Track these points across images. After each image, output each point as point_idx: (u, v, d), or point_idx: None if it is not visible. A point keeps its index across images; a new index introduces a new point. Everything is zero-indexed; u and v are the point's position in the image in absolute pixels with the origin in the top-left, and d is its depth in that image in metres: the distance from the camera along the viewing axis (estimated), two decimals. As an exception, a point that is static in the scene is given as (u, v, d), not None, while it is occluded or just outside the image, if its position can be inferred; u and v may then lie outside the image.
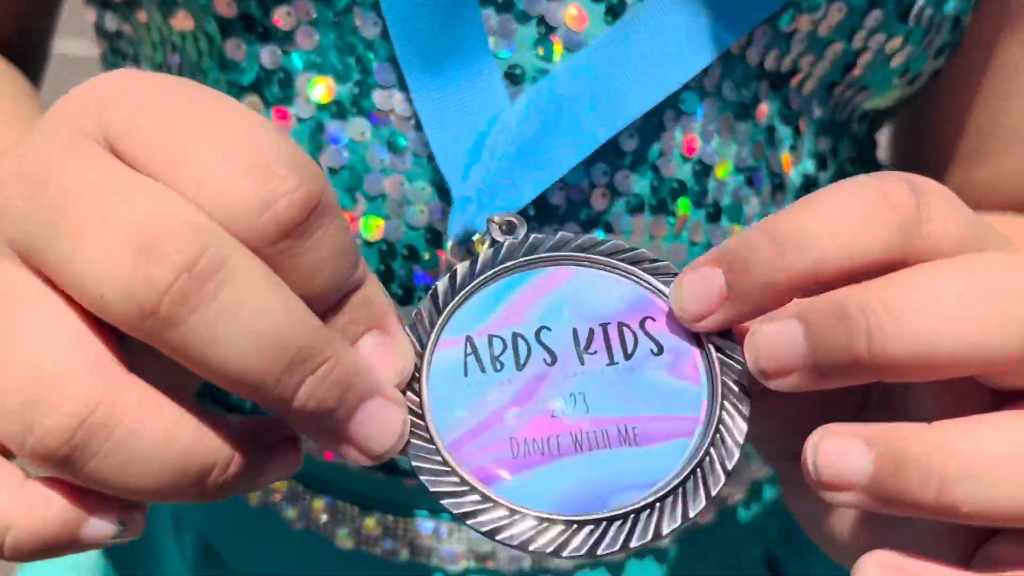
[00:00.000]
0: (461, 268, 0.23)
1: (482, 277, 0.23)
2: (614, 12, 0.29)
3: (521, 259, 0.23)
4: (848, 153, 0.36)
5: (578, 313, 0.23)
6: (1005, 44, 0.38)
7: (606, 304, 0.23)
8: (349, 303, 0.20)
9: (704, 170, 0.31)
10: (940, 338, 0.19)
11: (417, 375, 0.22)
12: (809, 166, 0.34)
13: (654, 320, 0.23)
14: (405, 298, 0.31)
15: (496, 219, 0.24)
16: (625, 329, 0.22)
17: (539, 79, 0.29)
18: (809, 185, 0.34)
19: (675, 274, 0.23)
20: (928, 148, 0.42)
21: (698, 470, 0.21)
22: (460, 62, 0.28)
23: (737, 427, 0.22)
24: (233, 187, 0.18)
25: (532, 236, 0.24)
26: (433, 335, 0.22)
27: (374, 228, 0.30)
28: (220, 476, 0.19)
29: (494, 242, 0.24)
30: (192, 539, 0.40)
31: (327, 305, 0.20)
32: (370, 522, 0.35)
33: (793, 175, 0.33)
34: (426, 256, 0.30)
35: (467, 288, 0.23)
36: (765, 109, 0.32)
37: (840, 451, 0.19)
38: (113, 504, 0.19)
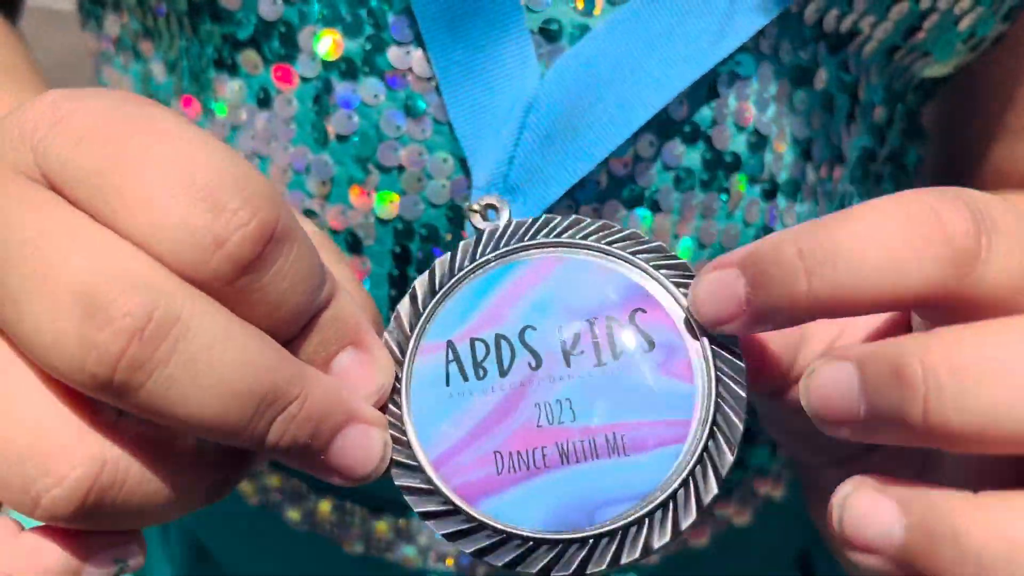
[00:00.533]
0: (440, 263, 0.22)
1: (462, 272, 0.22)
2: None
3: (503, 249, 0.22)
4: (901, 125, 0.33)
5: (564, 309, 0.21)
6: None
7: (594, 296, 0.21)
8: (318, 324, 0.20)
9: (760, 142, 0.28)
10: (1006, 414, 0.16)
11: (398, 386, 0.21)
12: (867, 139, 0.31)
13: (645, 312, 0.21)
14: (423, 283, 0.28)
15: (475, 205, 0.23)
16: (614, 324, 0.21)
17: (578, 35, 0.26)
18: (867, 159, 0.31)
19: (669, 255, 0.21)
20: (973, 117, 0.39)
21: (690, 480, 0.20)
22: (486, 19, 0.25)
23: (733, 431, 0.20)
24: (180, 226, 0.17)
25: (514, 222, 0.22)
26: (412, 341, 0.21)
27: (389, 204, 0.27)
28: (224, 488, 0.20)
29: (474, 229, 0.22)
30: (179, 538, 0.37)
31: (294, 330, 0.19)
32: (381, 527, 0.32)
33: (851, 148, 0.30)
34: (448, 237, 0.27)
35: (447, 286, 0.21)
36: (823, 74, 0.28)
37: (871, 510, 0.18)
38: (110, 544, 0.19)
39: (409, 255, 0.27)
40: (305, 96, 0.27)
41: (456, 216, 0.27)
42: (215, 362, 0.17)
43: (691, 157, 0.27)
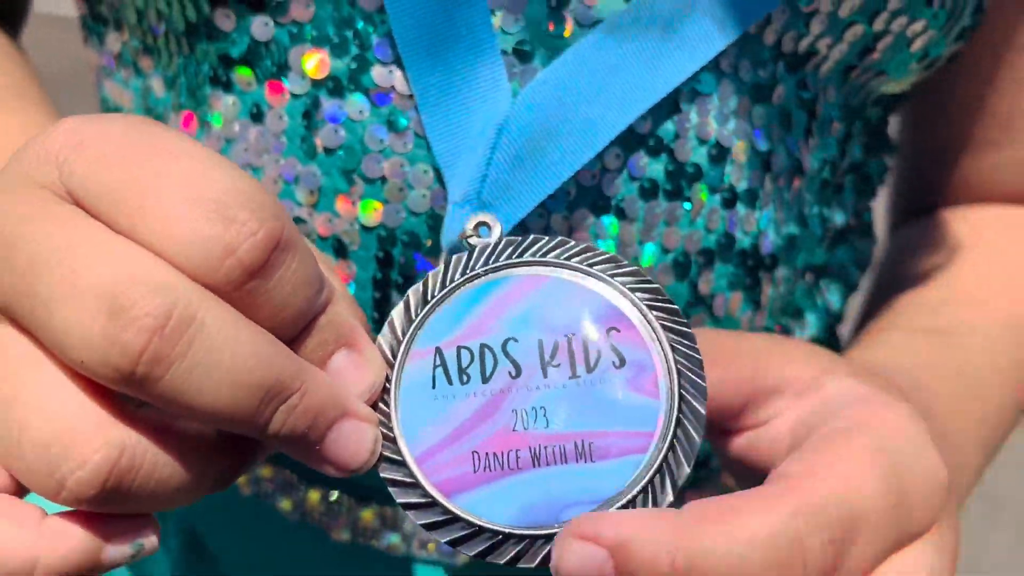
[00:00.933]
0: (432, 275, 0.23)
1: (453, 284, 0.23)
2: None
3: (492, 264, 0.24)
4: (861, 139, 0.35)
5: (545, 323, 0.23)
6: (1020, 28, 0.37)
7: (573, 314, 0.23)
8: (317, 326, 0.21)
9: (720, 154, 0.29)
10: None
11: (388, 386, 0.23)
12: (826, 152, 0.33)
13: (619, 331, 0.23)
14: (406, 286, 0.29)
15: (470, 222, 0.25)
16: (590, 340, 0.23)
17: (549, 56, 0.27)
18: (826, 170, 0.33)
19: (645, 279, 0.23)
20: (940, 132, 0.41)
21: (649, 488, 0.22)
22: (462, 44, 0.27)
23: (691, 445, 0.22)
24: (195, 235, 0.19)
25: (504, 239, 0.24)
26: (403, 346, 0.23)
27: (372, 213, 0.29)
28: (229, 477, 0.22)
29: (467, 245, 0.24)
30: (176, 529, 0.38)
31: (295, 332, 0.21)
32: (367, 515, 0.34)
33: (810, 160, 0.32)
34: (428, 243, 0.29)
35: (438, 296, 0.23)
36: (781, 91, 0.30)
37: (582, 557, 0.20)
38: (128, 527, 0.20)
39: (392, 260, 0.29)
40: (295, 112, 0.29)
41: (436, 223, 0.29)
42: (227, 357, 0.19)
43: (655, 168, 0.29)
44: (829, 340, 0.37)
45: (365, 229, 0.29)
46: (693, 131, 0.29)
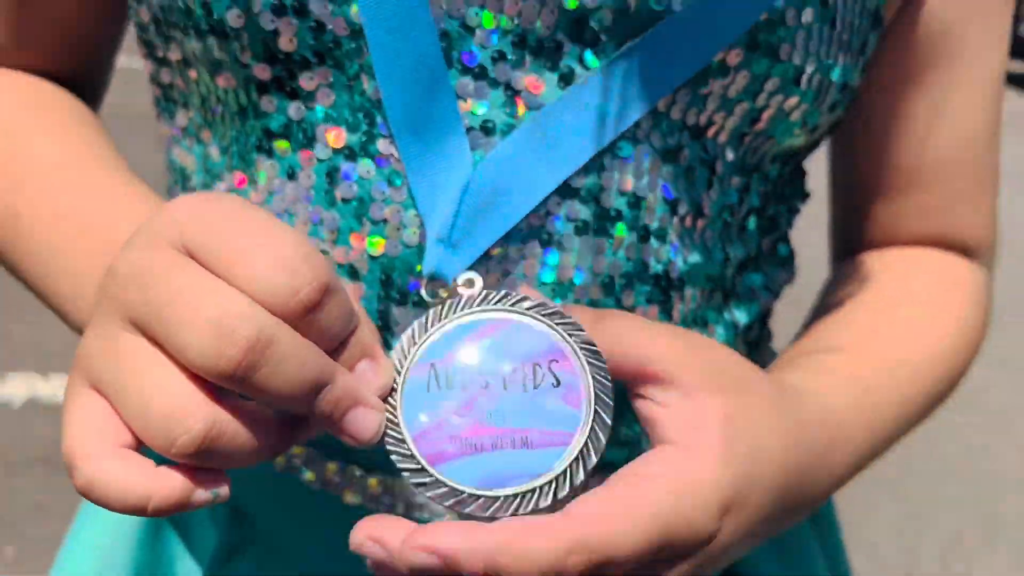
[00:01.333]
0: (432, 312, 0.33)
1: (446, 320, 0.33)
2: (565, 79, 0.37)
3: (475, 308, 0.33)
4: (761, 188, 0.44)
5: (507, 353, 0.32)
6: (910, 98, 0.45)
7: (528, 347, 0.32)
8: (349, 343, 0.30)
9: (636, 202, 0.39)
10: None
11: (396, 387, 0.32)
12: (725, 199, 0.42)
13: (558, 362, 0.32)
14: (401, 301, 0.39)
15: (460, 278, 0.36)
16: (538, 367, 0.32)
17: (507, 130, 0.37)
18: (726, 215, 0.42)
19: (579, 327, 0.32)
20: (855, 183, 0.49)
21: (568, 470, 0.31)
22: (436, 125, 0.37)
23: (599, 444, 0.31)
24: (272, 282, 0.27)
25: (484, 291, 0.34)
26: (408, 361, 0.32)
27: (377, 246, 0.38)
28: (283, 446, 0.30)
29: (457, 293, 0.35)
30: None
31: (335, 346, 0.30)
32: (373, 482, 0.43)
33: (711, 206, 0.41)
34: (419, 268, 0.38)
35: (435, 327, 0.33)
36: (686, 154, 0.40)
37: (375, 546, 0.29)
38: (210, 480, 0.28)
39: (391, 281, 0.39)
40: (320, 172, 0.39)
41: (423, 254, 0.38)
42: (291, 364, 0.27)
43: (586, 212, 0.38)
44: (739, 349, 0.46)
45: (372, 258, 0.39)
46: (615, 185, 0.38)
